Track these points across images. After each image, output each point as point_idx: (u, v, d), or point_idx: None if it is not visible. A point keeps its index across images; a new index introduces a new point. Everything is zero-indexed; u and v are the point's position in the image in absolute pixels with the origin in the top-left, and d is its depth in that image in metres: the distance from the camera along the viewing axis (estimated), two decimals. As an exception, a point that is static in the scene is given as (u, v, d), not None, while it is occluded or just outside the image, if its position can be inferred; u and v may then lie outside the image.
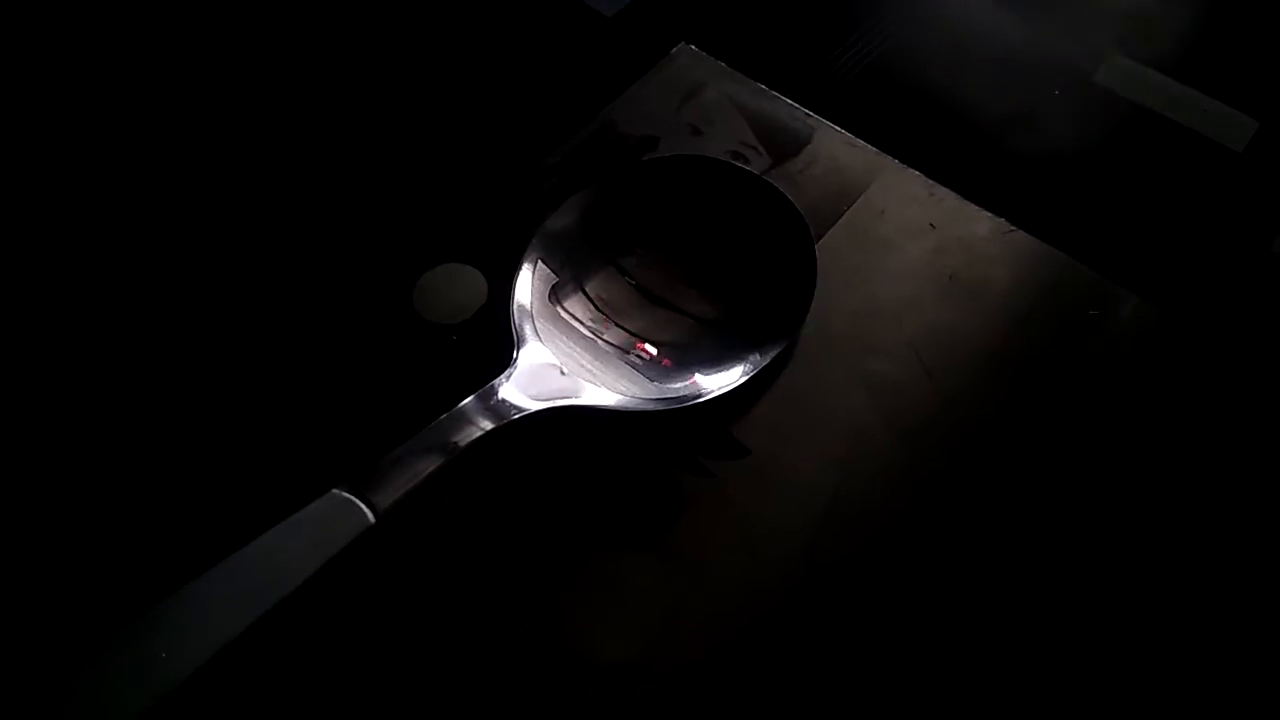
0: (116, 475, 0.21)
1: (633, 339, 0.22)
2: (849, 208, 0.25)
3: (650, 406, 0.21)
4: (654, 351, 0.22)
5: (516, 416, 0.20)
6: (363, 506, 0.17)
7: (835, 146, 0.26)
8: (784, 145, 0.26)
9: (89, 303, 0.24)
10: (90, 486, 0.21)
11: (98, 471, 0.21)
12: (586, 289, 0.23)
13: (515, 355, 0.21)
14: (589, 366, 0.22)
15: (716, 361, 0.22)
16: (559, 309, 0.23)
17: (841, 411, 0.22)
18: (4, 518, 0.20)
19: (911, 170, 0.26)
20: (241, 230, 0.25)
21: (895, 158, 0.26)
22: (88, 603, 0.18)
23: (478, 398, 0.20)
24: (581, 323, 0.23)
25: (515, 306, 0.22)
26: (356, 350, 0.23)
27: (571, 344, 0.22)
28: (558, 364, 0.21)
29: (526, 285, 0.23)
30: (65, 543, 0.20)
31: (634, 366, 0.22)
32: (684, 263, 0.24)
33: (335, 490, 0.17)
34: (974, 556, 0.21)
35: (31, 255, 0.25)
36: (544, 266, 0.23)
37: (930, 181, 0.26)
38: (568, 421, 0.21)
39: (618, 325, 0.23)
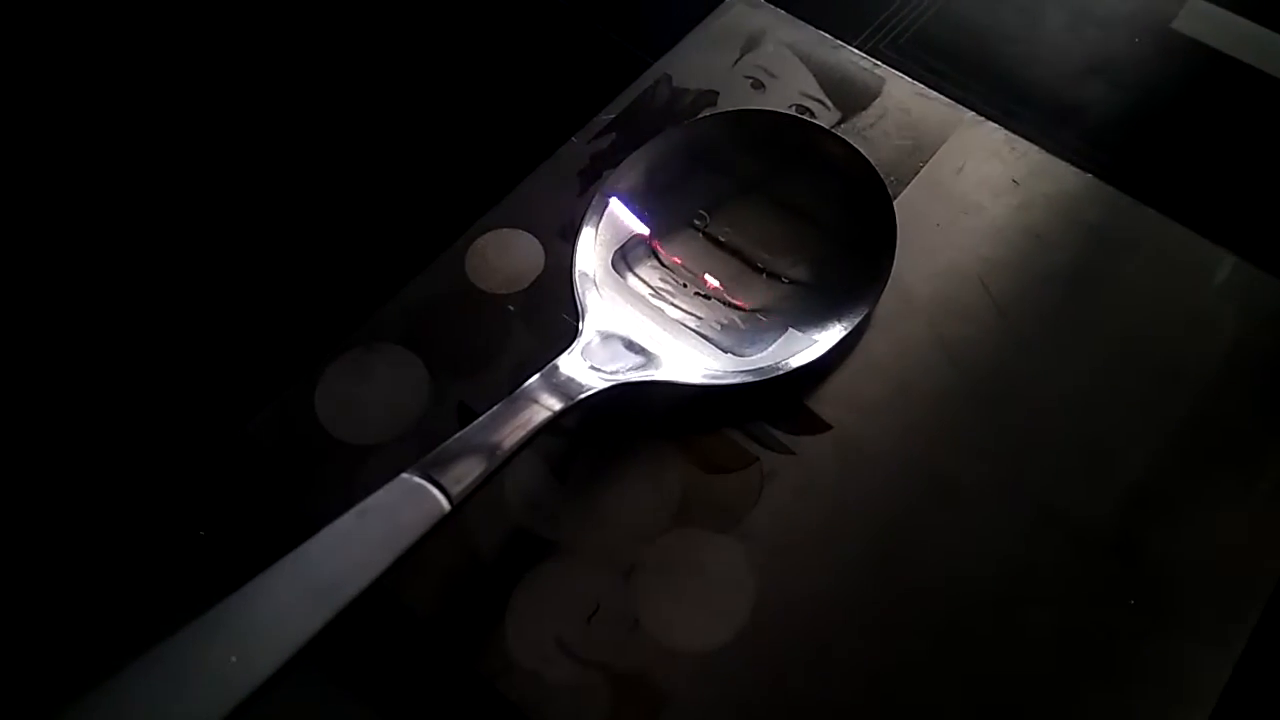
0: (172, 470, 0.20)
1: (707, 304, 0.21)
2: (925, 164, 0.24)
3: (726, 380, 0.20)
4: (733, 317, 0.21)
5: (585, 395, 0.18)
6: (436, 492, 0.16)
7: (907, 98, 0.25)
8: (852, 98, 0.25)
9: (132, 300, 0.23)
10: (144, 480, 0.20)
11: (152, 465, 0.20)
12: (653, 254, 0.22)
13: (580, 328, 0.20)
14: (658, 337, 0.20)
15: (794, 330, 0.21)
16: (624, 275, 0.21)
17: (924, 381, 0.21)
18: (53, 517, 0.19)
19: (990, 123, 0.24)
20: (286, 199, 0.24)
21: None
22: (143, 604, 0.17)
23: (543, 376, 0.19)
24: (649, 290, 0.21)
25: (577, 275, 0.21)
26: (409, 322, 0.22)
27: (638, 313, 0.21)
28: (625, 336, 0.20)
29: (588, 251, 0.21)
30: (116, 541, 0.19)
31: (705, 337, 0.21)
32: (755, 224, 0.22)
33: (405, 475, 0.16)
34: (1070, 529, 0.19)
35: (63, 255, 0.24)
36: (605, 230, 0.22)
37: (1011, 135, 0.24)
38: (637, 396, 0.20)
39: (688, 291, 0.21)
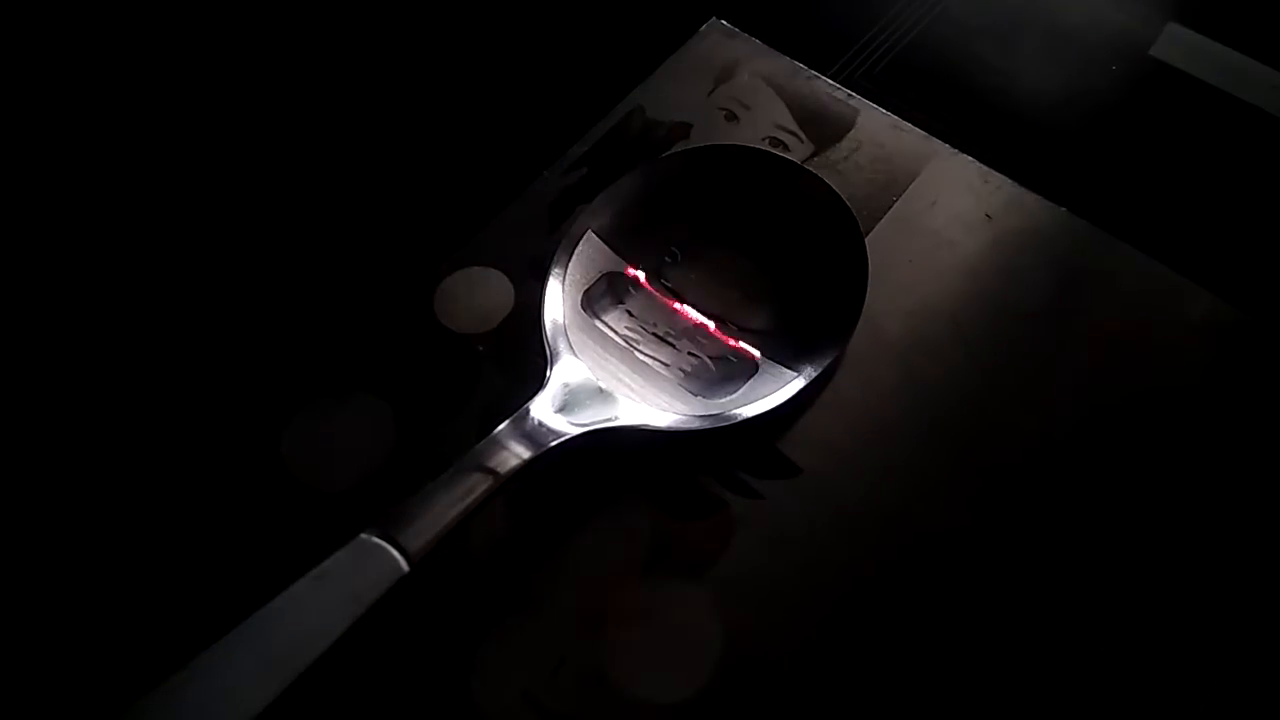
0: (134, 518, 0.20)
1: (676, 346, 0.21)
2: (898, 198, 0.24)
3: (697, 425, 0.20)
4: (704, 359, 0.21)
5: (555, 443, 0.18)
6: (395, 553, 0.16)
7: (881, 131, 0.25)
8: (826, 130, 0.25)
9: (107, 323, 0.23)
10: (102, 529, 0.20)
11: (113, 513, 0.20)
12: (623, 295, 0.21)
13: (549, 374, 0.20)
14: (628, 381, 0.20)
15: (764, 372, 0.21)
16: (593, 318, 0.21)
17: (894, 422, 0.21)
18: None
19: (964, 156, 0.24)
20: (249, 235, 0.24)
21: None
22: (96, 676, 0.17)
23: (512, 423, 0.18)
24: (616, 333, 0.21)
25: (547, 319, 0.21)
26: (375, 364, 0.21)
27: (608, 356, 0.21)
28: (595, 380, 0.20)
29: (557, 294, 0.21)
30: (71, 613, 0.18)
31: (675, 380, 0.20)
32: (726, 263, 0.22)
33: (364, 535, 0.16)
34: (1043, 579, 0.19)
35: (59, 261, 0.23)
36: (575, 270, 0.21)
37: (985, 168, 0.24)
38: (605, 441, 0.19)
39: (655, 334, 0.21)
